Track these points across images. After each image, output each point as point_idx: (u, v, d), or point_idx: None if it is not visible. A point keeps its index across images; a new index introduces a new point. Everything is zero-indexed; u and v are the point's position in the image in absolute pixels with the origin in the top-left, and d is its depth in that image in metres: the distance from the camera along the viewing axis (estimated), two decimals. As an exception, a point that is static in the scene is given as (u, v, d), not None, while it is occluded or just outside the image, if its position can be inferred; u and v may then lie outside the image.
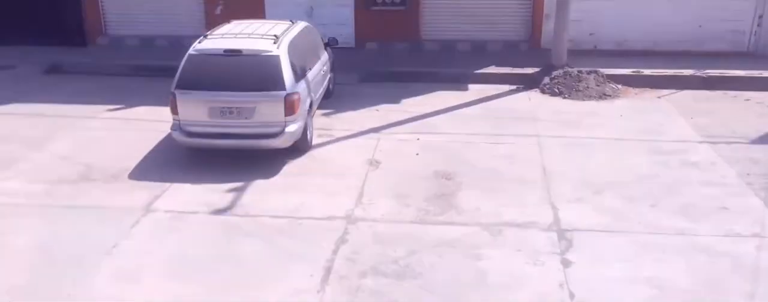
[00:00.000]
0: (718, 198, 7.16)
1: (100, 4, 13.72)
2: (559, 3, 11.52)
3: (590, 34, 13.03)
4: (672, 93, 11.03)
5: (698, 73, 11.47)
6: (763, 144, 8.79)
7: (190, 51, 8.21)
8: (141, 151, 8.36)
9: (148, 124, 8.89)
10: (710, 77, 11.40)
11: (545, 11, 12.93)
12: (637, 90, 11.19)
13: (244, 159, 8.09)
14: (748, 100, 10.77)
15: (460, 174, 7.81)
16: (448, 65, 12.19)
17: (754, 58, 12.48)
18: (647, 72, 11.56)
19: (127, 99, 10.45)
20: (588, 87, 10.96)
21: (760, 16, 12.80)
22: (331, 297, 5.43)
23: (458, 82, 11.51)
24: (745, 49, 12.92)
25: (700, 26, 12.82)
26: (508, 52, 13.05)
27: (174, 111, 7.96)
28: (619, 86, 11.20)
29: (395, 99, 10.64)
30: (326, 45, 10.56)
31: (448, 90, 11.13)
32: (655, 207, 6.96)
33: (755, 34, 12.91)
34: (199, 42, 8.42)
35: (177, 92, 7.91)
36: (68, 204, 7.06)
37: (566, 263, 5.91)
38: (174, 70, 8.16)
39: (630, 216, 6.77)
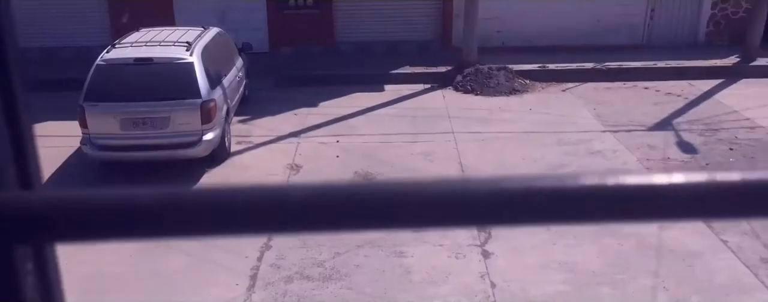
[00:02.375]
0: (622, 183, 7.63)
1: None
2: (468, 3, 11.88)
3: (498, 32, 13.50)
4: (576, 86, 11.61)
5: (598, 66, 12.12)
6: (659, 130, 9.41)
7: (98, 61, 7.98)
8: (49, 168, 8.05)
9: (57, 140, 8.56)
10: (610, 69, 12.07)
11: (455, 11, 13.29)
12: (543, 84, 11.70)
13: (160, 171, 7.93)
14: (646, 88, 11.47)
15: (380, 174, 7.96)
16: (364, 67, 12.34)
17: (649, 49, 13.29)
18: (552, 66, 12.11)
19: (31, 115, 9.98)
20: (498, 83, 11.37)
21: (652, 10, 13.65)
22: (259, 303, 5.44)
23: (374, 83, 11.68)
24: (641, 41, 13.74)
25: (598, 21, 13.53)
26: (421, 51, 13.33)
27: (83, 124, 7.70)
28: (527, 81, 11.68)
29: (312, 102, 10.68)
30: (240, 50, 10.47)
31: (365, 91, 11.27)
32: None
33: (649, 27, 13.75)
34: (107, 51, 8.19)
35: (85, 104, 7.66)
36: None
37: (486, 254, 6.16)
38: (81, 82, 7.89)
39: (543, 205, 7.11)
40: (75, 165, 8.22)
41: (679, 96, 11.00)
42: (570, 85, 11.65)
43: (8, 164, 0.49)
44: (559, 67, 12.07)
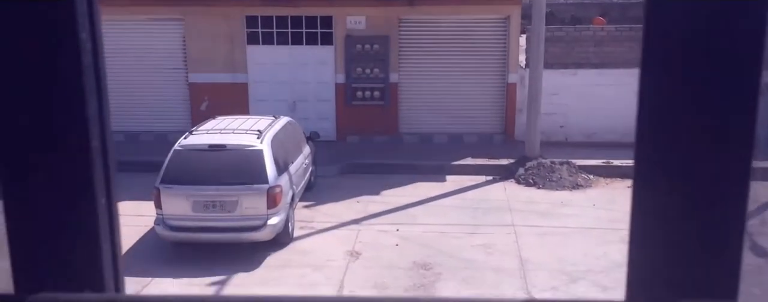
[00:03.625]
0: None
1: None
2: (531, 98, 12.12)
3: (560, 127, 13.60)
4: (642, 182, 11.43)
5: (665, 163, 11.94)
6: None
7: (176, 146, 8.49)
8: (124, 246, 8.43)
9: (131, 219, 9.02)
10: (677, 167, 11.86)
11: (518, 106, 13.54)
12: (607, 180, 11.60)
13: (226, 253, 8.20)
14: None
15: (438, 265, 7.96)
16: (427, 157, 12.58)
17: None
18: (617, 162, 12.02)
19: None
20: (561, 177, 11.35)
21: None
22: None
23: (436, 173, 11.86)
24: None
25: (664, 118, 13.43)
26: (483, 143, 13.52)
27: (158, 205, 8.12)
28: (591, 176, 11.61)
29: (375, 190, 10.90)
30: (308, 139, 10.92)
31: (427, 181, 11.44)
32: (628, 296, 7.13)
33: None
34: (185, 137, 8.72)
35: (161, 186, 8.11)
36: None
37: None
38: (158, 165, 8.40)
39: (605, 304, 6.93)
40: (148, 245, 8.59)
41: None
42: (635, 181, 11.47)
43: (109, 268, 0.67)
44: (624, 164, 11.96)
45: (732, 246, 0.62)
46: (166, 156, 8.39)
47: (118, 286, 0.70)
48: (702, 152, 0.62)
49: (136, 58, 13.75)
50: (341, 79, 13.72)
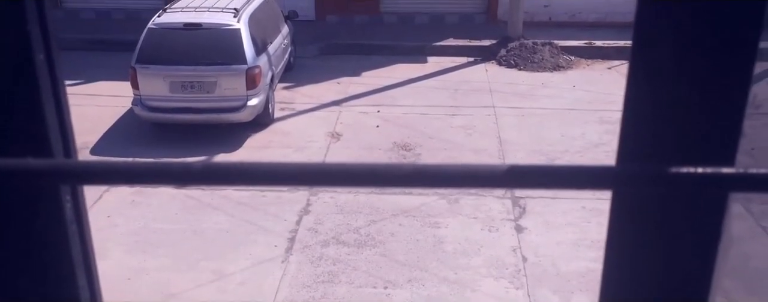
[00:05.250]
0: (662, 165, 7.58)
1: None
2: (515, -25, 11.74)
3: (545, 6, 13.31)
4: (622, 64, 11.43)
5: (647, 45, 11.87)
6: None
7: (150, 25, 8.21)
8: (102, 127, 8.38)
9: (109, 99, 8.89)
10: (659, 48, 11.80)
11: (502, -17, 13.13)
12: (589, 61, 11.55)
13: (206, 133, 8.19)
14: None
15: (419, 146, 8.06)
16: (407, 38, 12.35)
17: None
18: (598, 43, 11.92)
19: (85, 73, 10.34)
20: (543, 58, 11.28)
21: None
22: (295, 266, 5.66)
23: (417, 54, 11.70)
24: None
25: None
26: (465, 24, 13.26)
27: (135, 86, 7.98)
28: (572, 57, 11.55)
29: (355, 72, 10.79)
30: (286, 18, 10.60)
31: (408, 62, 11.32)
32: (603, 175, 7.35)
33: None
34: (158, 16, 8.41)
35: (137, 66, 7.93)
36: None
37: (520, 229, 6.25)
38: (132, 44, 8.15)
39: (579, 183, 7.14)
40: (126, 125, 8.53)
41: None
42: (616, 63, 11.47)
43: (56, 134, 0.65)
44: (605, 44, 11.88)
45: (711, 249, 0.61)
46: (140, 34, 8.13)
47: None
48: (688, 153, 0.58)
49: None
50: (319, -46, 13.10)
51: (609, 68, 11.29)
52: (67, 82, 0.84)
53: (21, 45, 0.59)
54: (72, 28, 12.64)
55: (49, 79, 0.63)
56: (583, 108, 9.33)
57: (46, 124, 0.63)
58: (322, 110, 9.22)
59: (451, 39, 12.29)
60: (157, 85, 7.93)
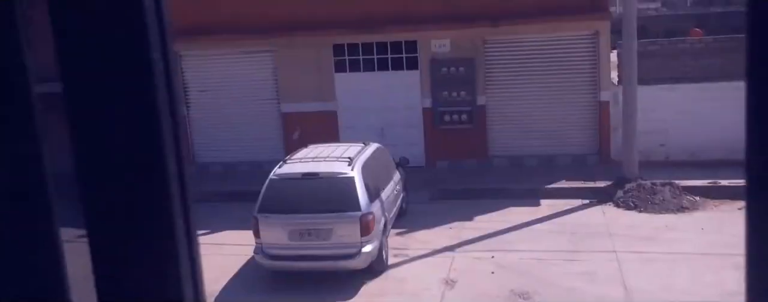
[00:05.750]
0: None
1: (190, 135, 14.51)
2: (626, 115, 11.64)
3: (661, 145, 12.98)
4: (753, 203, 10.70)
5: (779, 182, 11.14)
6: None
7: (271, 176, 8.68)
8: (227, 275, 8.65)
9: (233, 248, 9.26)
10: (793, 186, 11.03)
11: (612, 124, 13.05)
12: (715, 202, 10.92)
13: (324, 280, 8.25)
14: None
15: (537, 294, 7.70)
16: (518, 181, 12.29)
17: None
18: (725, 182, 11.32)
19: (212, 224, 10.85)
20: (664, 199, 10.79)
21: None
22: None
23: (529, 197, 11.55)
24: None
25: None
26: (577, 165, 13.08)
27: (256, 234, 8.30)
28: (697, 198, 10.97)
29: (468, 216, 10.73)
30: (398, 165, 10.91)
31: (520, 206, 11.16)
32: (749, 328, 6.63)
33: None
34: (279, 167, 8.91)
35: (259, 216, 8.29)
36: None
37: None
38: (255, 194, 8.60)
39: (723, 338, 6.46)
40: (249, 273, 8.77)
41: None
42: (746, 202, 10.75)
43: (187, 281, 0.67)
44: (732, 183, 11.25)
45: None
46: (262, 185, 8.59)
47: None
48: None
49: (231, 91, 14.27)
50: (428, 103, 13.70)
51: (739, 209, 10.59)
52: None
53: (164, 209, 0.64)
54: (202, 181, 13.58)
55: (185, 234, 0.68)
56: (715, 252, 8.67)
57: (180, 272, 0.67)
58: (435, 256, 9.12)
59: (564, 181, 12.10)
60: (276, 233, 8.21)
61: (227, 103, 14.32)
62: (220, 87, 14.24)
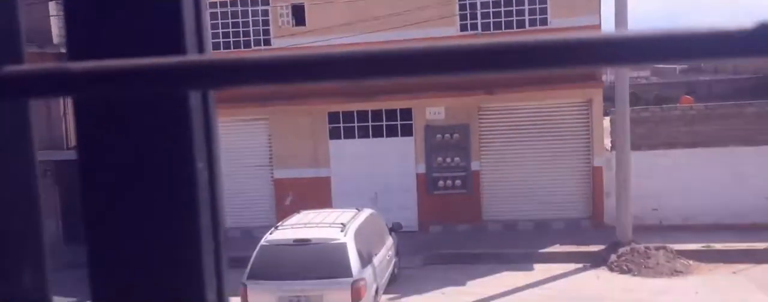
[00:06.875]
0: None
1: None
2: (619, 180, 11.72)
3: (653, 210, 12.99)
4: (748, 267, 10.62)
5: (774, 246, 11.09)
6: None
7: (262, 242, 8.66)
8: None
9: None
10: (787, 250, 10.98)
11: (605, 189, 13.10)
12: (709, 266, 10.83)
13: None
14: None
15: (531, 361, 7.54)
16: (512, 245, 12.23)
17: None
18: (718, 246, 11.26)
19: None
20: (658, 263, 10.71)
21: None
22: None
23: (523, 262, 11.46)
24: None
25: (767, 198, 12.64)
26: (570, 229, 13.05)
27: (244, 301, 8.20)
28: (691, 262, 10.89)
29: (461, 281, 10.62)
30: (391, 230, 10.89)
31: (514, 270, 11.06)
32: None
33: (829, 204, 12.58)
34: (271, 233, 8.89)
35: (248, 283, 8.22)
36: None
37: None
38: (245, 260, 8.55)
39: None
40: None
41: None
42: (741, 266, 10.68)
43: None
44: (726, 247, 11.20)
45: None
46: (252, 251, 8.55)
47: None
48: None
49: (225, 157, 14.40)
50: (422, 168, 13.81)
51: (734, 273, 10.50)
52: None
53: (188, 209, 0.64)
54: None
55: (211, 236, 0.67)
56: (710, 317, 8.55)
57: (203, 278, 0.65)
58: (427, 323, 8.97)
59: (557, 245, 12.05)
60: (266, 300, 8.11)
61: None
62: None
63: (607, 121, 13.53)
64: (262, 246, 8.57)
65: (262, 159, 14.48)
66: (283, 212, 12.80)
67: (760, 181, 12.72)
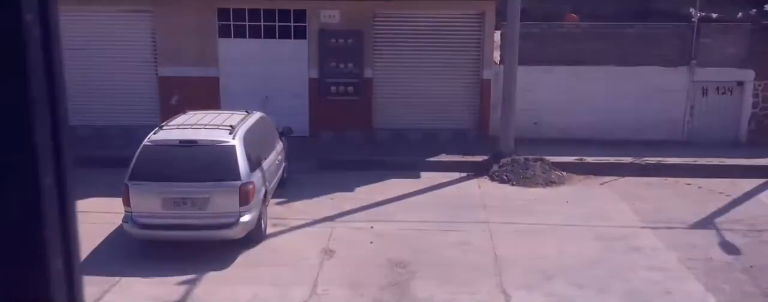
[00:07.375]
0: (662, 283, 7.41)
1: (53, 93, 13.60)
2: (506, 94, 12.10)
3: (534, 123, 13.62)
4: (614, 180, 11.52)
5: (637, 161, 12.05)
6: (701, 229, 9.20)
7: (145, 142, 8.28)
8: (90, 244, 8.18)
9: (99, 216, 8.77)
10: (649, 164, 11.98)
11: (492, 102, 13.52)
12: (580, 177, 11.64)
13: (197, 251, 8.02)
14: (688, 185, 11.29)
15: (413, 263, 7.89)
16: (401, 153, 12.50)
17: (689, 146, 13.20)
18: (590, 159, 12.08)
19: (78, 190, 10.26)
20: (535, 174, 11.36)
21: (692, 107, 13.66)
22: None
23: (410, 169, 11.78)
24: (681, 138, 13.67)
25: (637, 116, 13.57)
26: (457, 140, 13.48)
27: (126, 202, 7.90)
28: (564, 173, 11.64)
29: (349, 187, 10.79)
30: (281, 134, 10.75)
31: (401, 178, 11.36)
32: (603, 293, 7.15)
33: (688, 124, 13.72)
34: (155, 133, 8.50)
35: (130, 183, 7.90)
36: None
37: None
38: (127, 160, 8.17)
39: (579, 302, 6.92)
40: (116, 243, 8.35)
41: (721, 194, 10.79)
42: (608, 179, 11.56)
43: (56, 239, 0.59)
44: (596, 161, 12.04)
45: None
46: (135, 151, 8.17)
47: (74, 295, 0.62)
48: None
49: (103, 51, 13.41)
50: (315, 73, 13.56)
51: (601, 184, 11.36)
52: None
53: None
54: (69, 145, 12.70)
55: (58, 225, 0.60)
56: (578, 224, 9.26)
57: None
58: (315, 226, 9.11)
59: (444, 154, 12.45)
60: (149, 201, 7.86)
61: (99, 64, 13.45)
62: (91, 46, 13.33)
63: (498, 35, 13.76)
64: (145, 145, 8.20)
65: (145, 55, 13.60)
66: (168, 112, 12.25)
67: (634, 100, 13.59)
